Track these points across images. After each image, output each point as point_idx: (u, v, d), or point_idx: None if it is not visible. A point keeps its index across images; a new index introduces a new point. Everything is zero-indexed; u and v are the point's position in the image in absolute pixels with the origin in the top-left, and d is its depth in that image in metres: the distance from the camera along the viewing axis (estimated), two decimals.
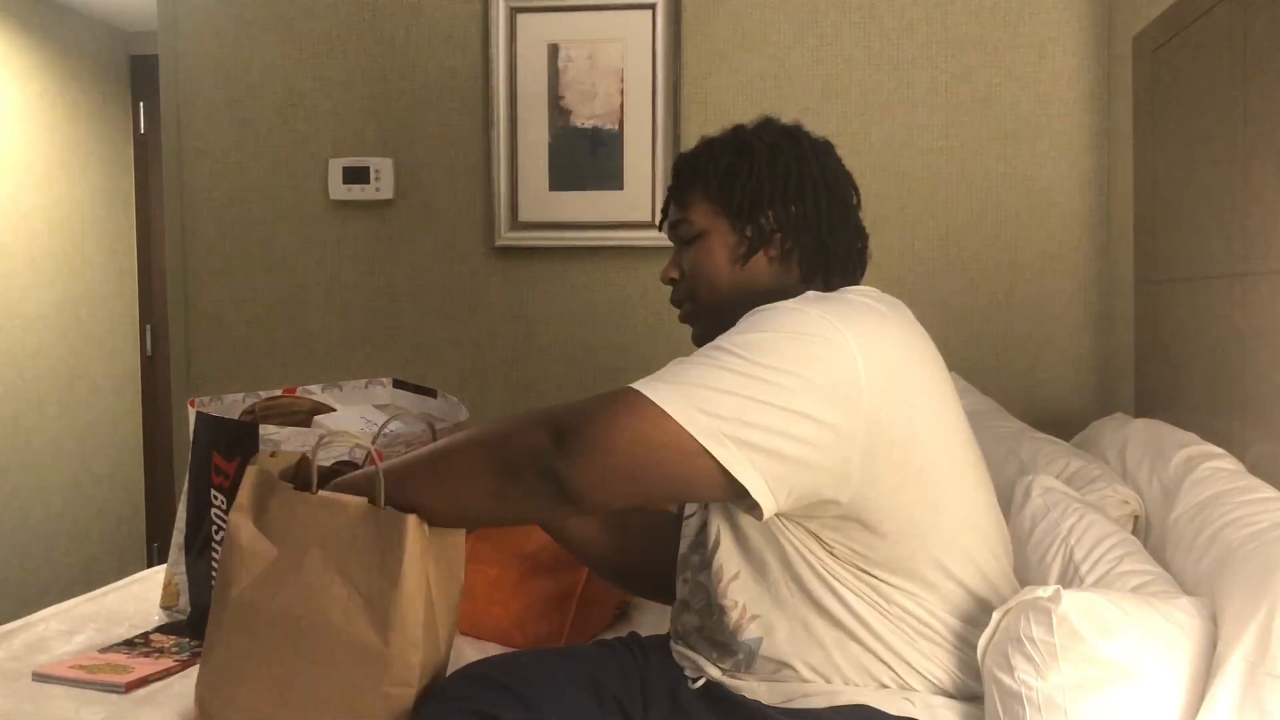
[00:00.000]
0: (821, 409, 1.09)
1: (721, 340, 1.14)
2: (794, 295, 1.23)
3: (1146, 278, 2.13)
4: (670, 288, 1.39)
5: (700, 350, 1.15)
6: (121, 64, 4.25)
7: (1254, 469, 1.56)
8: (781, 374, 1.09)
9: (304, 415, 1.98)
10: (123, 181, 4.25)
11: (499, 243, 2.62)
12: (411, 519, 1.24)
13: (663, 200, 1.42)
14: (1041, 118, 2.48)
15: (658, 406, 1.08)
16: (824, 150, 1.36)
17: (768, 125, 1.37)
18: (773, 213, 1.30)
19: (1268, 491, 1.42)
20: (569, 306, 2.63)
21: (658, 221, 1.45)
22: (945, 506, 1.18)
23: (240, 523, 1.33)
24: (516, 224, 2.62)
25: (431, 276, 2.68)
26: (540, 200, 2.61)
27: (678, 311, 1.39)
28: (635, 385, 1.11)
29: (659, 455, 1.09)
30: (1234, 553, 1.27)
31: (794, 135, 1.36)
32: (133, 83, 4.27)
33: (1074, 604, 1.09)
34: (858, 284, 1.34)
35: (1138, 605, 1.16)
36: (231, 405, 1.99)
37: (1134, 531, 1.67)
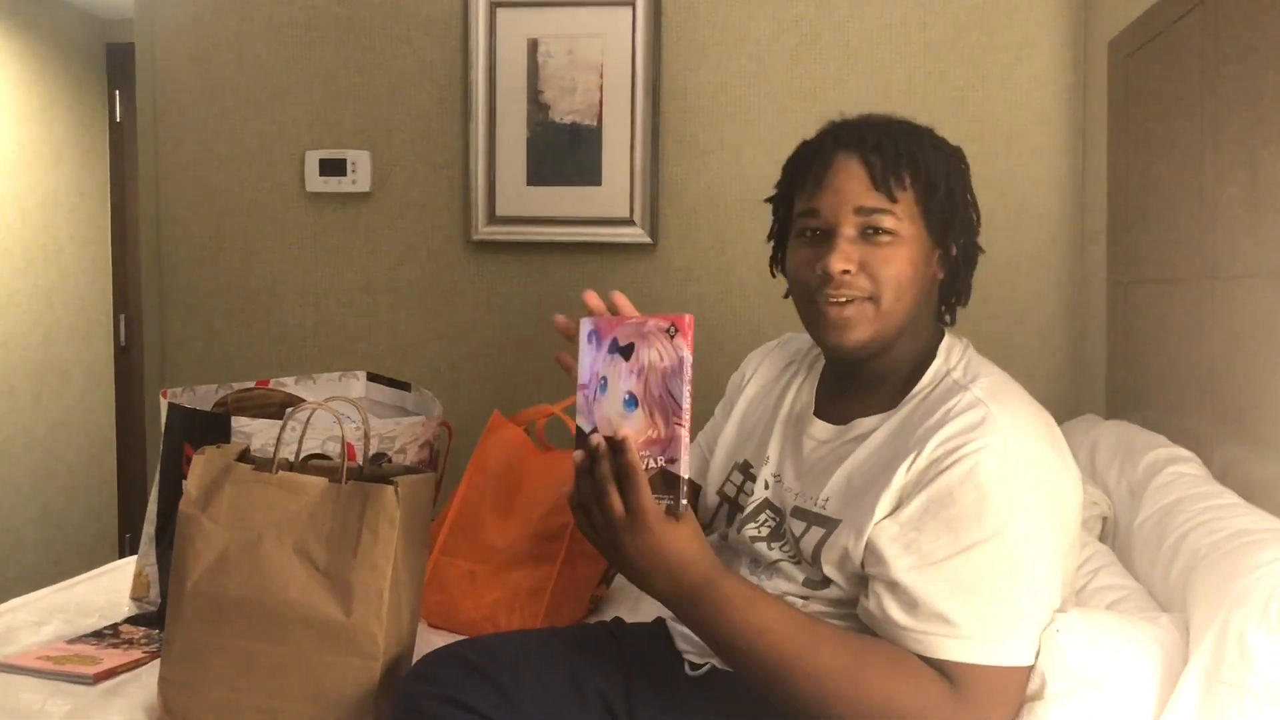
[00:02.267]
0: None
1: (998, 535, 1.11)
2: (917, 326, 1.27)
3: (1119, 279, 2.15)
4: (830, 280, 1.23)
5: (994, 558, 1.11)
6: (98, 52, 4.22)
7: (1222, 470, 1.58)
8: (1055, 554, 1.15)
9: (276, 408, 1.98)
10: (98, 170, 4.22)
11: (476, 237, 2.62)
12: (389, 491, 1.24)
13: (823, 157, 1.26)
14: (1017, 120, 2.49)
15: (1018, 668, 1.10)
16: None
17: (937, 135, 1.31)
18: (954, 240, 1.27)
19: (1229, 497, 1.44)
20: (546, 302, 2.63)
21: (777, 197, 1.35)
22: None
23: (190, 513, 1.33)
24: (494, 218, 2.61)
25: (407, 270, 2.67)
26: (518, 195, 2.60)
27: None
28: (992, 659, 1.09)
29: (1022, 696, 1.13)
30: (1198, 564, 1.28)
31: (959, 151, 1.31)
32: (109, 71, 4.24)
33: (1059, 625, 1.13)
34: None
35: (1116, 622, 1.18)
36: (204, 396, 1.98)
37: (1103, 532, 1.69)
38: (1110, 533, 1.67)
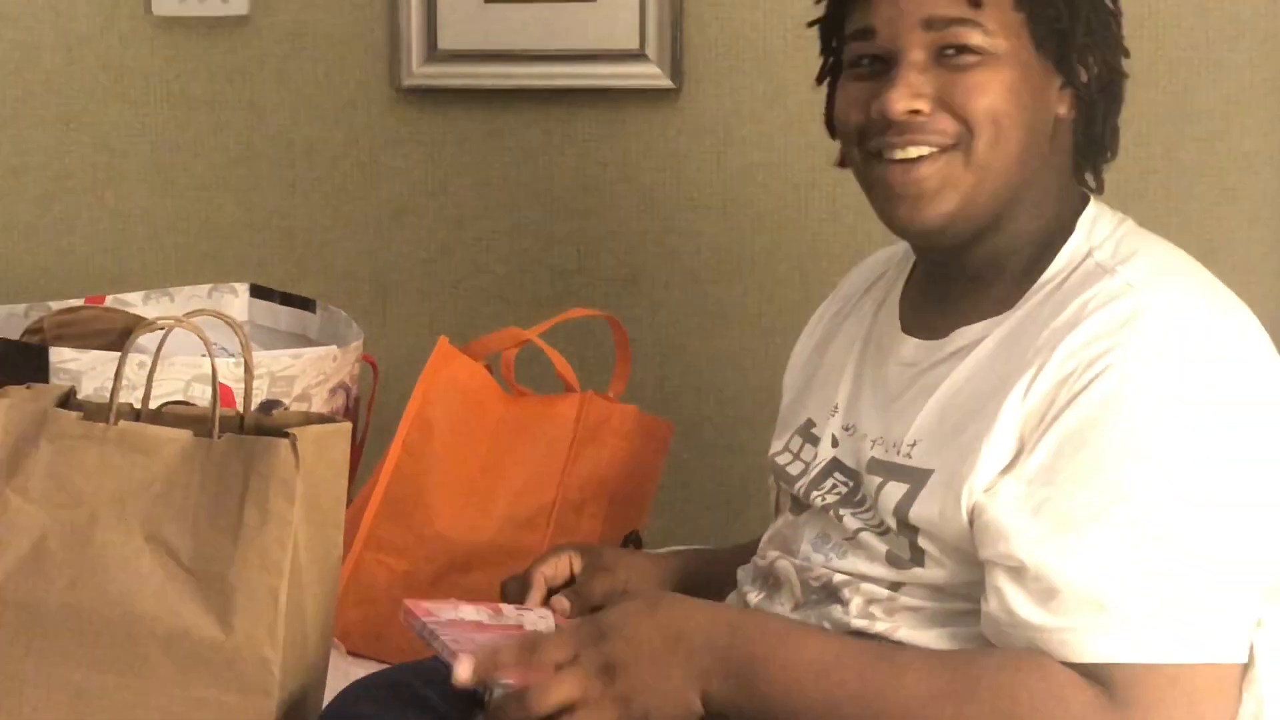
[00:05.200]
0: None
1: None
2: (1042, 184, 1.30)
3: None
4: (900, 124, 1.27)
5: (1175, 516, 1.13)
6: None
7: None
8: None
9: (116, 335, 1.98)
10: None
11: (409, 82, 2.60)
12: (283, 445, 1.25)
13: None
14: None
15: (1211, 666, 1.12)
16: None
17: None
18: (1080, 60, 1.30)
19: None
20: (515, 177, 2.62)
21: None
22: None
23: None
24: (435, 53, 2.60)
25: (307, 131, 2.66)
26: (470, 18, 2.58)
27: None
28: (1197, 658, 1.11)
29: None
30: None
31: None
32: None
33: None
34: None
35: None
36: (10, 322, 1.99)
37: None
38: None
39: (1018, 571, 1.14)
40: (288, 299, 2.15)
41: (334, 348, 1.91)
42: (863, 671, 1.16)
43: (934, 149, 1.25)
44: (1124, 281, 1.20)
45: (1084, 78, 1.29)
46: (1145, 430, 1.13)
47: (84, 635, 1.29)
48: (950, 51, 1.25)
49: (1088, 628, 1.11)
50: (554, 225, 2.63)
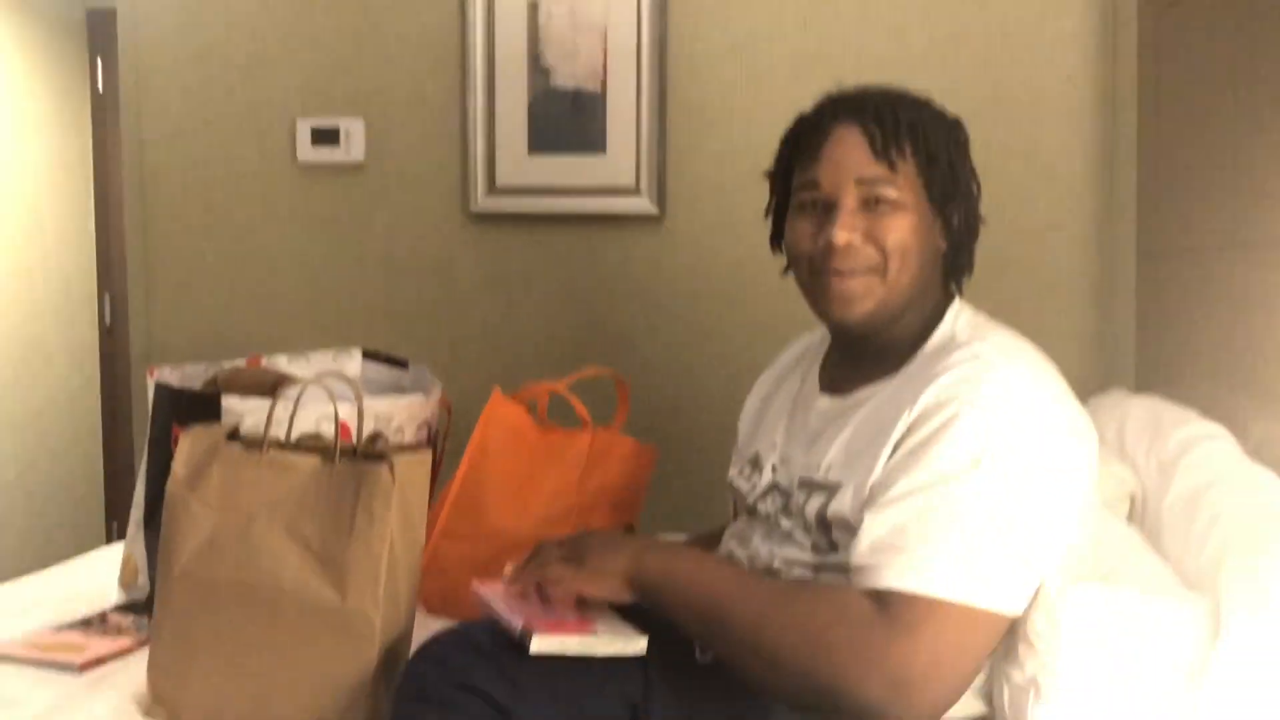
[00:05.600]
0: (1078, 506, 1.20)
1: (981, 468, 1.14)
2: (922, 297, 1.31)
3: (1149, 249, 2.15)
4: (836, 252, 1.28)
5: (965, 496, 1.13)
6: (78, 19, 4.21)
7: (1256, 447, 1.58)
8: (1044, 509, 1.16)
9: (268, 387, 1.98)
10: (80, 143, 4.22)
11: (475, 208, 2.62)
12: (384, 469, 1.25)
13: (819, 129, 1.32)
14: (1043, 82, 2.47)
15: (977, 609, 1.11)
16: None
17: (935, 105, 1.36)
18: (955, 209, 1.32)
19: (1262, 476, 1.44)
20: (548, 275, 2.63)
21: (778, 162, 1.40)
22: None
23: (178, 493, 1.34)
24: (494, 189, 2.61)
25: (404, 243, 2.67)
26: (519, 164, 2.60)
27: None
28: (935, 590, 1.10)
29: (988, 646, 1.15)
30: (1230, 544, 1.29)
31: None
32: (90, 39, 4.23)
33: (1076, 596, 1.14)
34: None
35: (1140, 599, 1.19)
36: (193, 376, 1.99)
37: (1131, 510, 1.69)
38: (1139, 511, 1.67)
39: (858, 530, 1.17)
40: (389, 359, 2.15)
41: (420, 395, 1.91)
42: (730, 587, 1.19)
43: (861, 268, 1.28)
44: (972, 353, 1.22)
45: (955, 222, 1.32)
46: (962, 444, 1.14)
47: (243, 601, 1.29)
48: (873, 201, 1.27)
49: (886, 564, 1.13)
50: (576, 309, 2.64)
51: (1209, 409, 1.71)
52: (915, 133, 1.28)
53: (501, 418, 1.88)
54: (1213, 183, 1.80)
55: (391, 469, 1.30)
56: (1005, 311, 2.43)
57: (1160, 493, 1.59)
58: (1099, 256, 2.48)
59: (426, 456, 1.43)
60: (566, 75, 2.58)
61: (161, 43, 2.72)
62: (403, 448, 1.47)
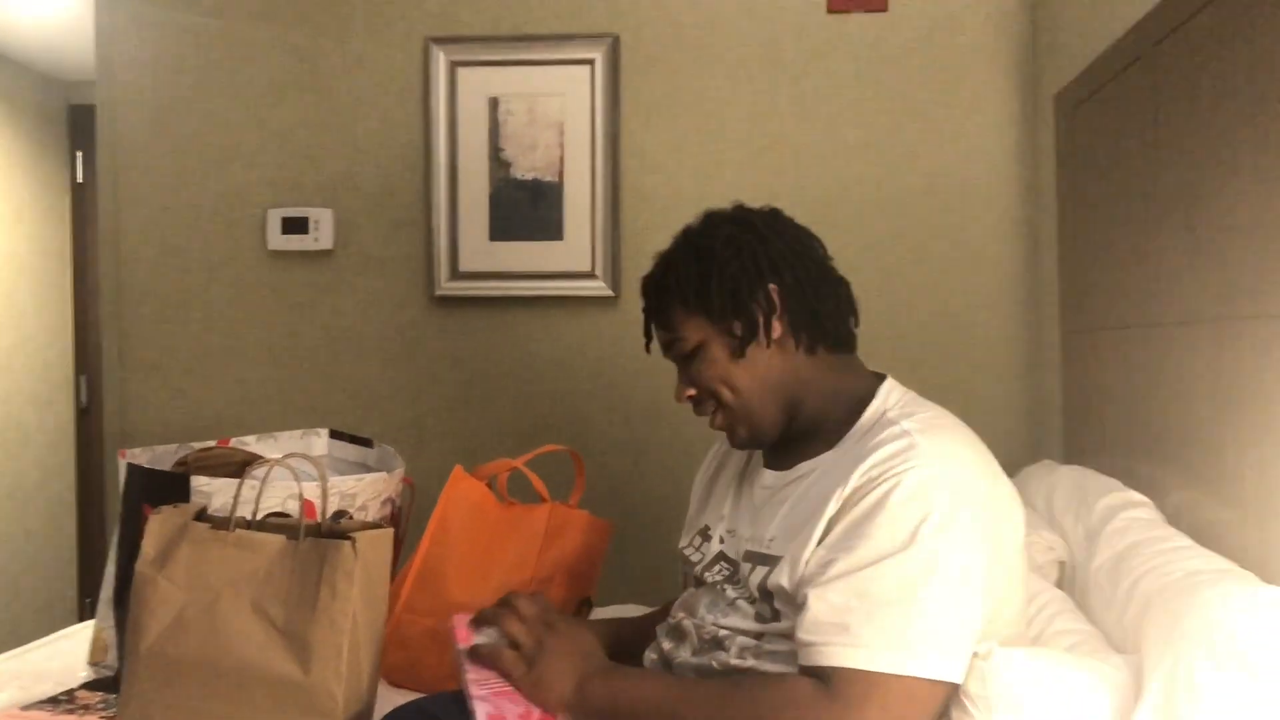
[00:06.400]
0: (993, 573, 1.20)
1: (911, 553, 1.14)
2: (806, 371, 1.34)
3: (1071, 328, 2.19)
4: (691, 404, 1.40)
5: (902, 573, 1.14)
6: (60, 113, 4.22)
7: (1175, 514, 1.60)
8: (975, 579, 1.17)
9: (237, 466, 1.96)
10: (59, 232, 4.21)
11: (439, 292, 2.63)
12: (346, 546, 1.24)
13: (644, 323, 1.44)
14: (969, 172, 2.55)
15: (920, 680, 1.11)
16: (774, 219, 1.40)
17: (714, 219, 1.40)
18: (754, 301, 1.33)
19: (1181, 540, 1.46)
20: (509, 356, 2.64)
21: (645, 345, 1.46)
22: None
23: (146, 572, 1.33)
24: (457, 274, 2.63)
25: (370, 326, 2.68)
26: (481, 250, 2.62)
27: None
28: (878, 666, 1.11)
29: (930, 713, 1.14)
30: (1151, 605, 1.30)
31: (744, 219, 1.38)
32: (71, 132, 4.24)
33: (1007, 660, 1.15)
34: (853, 332, 1.42)
35: (1068, 661, 1.20)
36: (164, 456, 1.97)
37: (1060, 577, 1.71)
38: (1068, 577, 1.69)
39: (804, 608, 1.16)
40: (354, 438, 2.14)
41: (384, 473, 1.90)
42: (676, 695, 1.21)
43: (709, 410, 1.38)
44: (902, 429, 1.23)
45: (759, 312, 1.33)
46: (897, 522, 1.15)
47: (208, 678, 1.27)
48: (681, 358, 1.38)
49: (830, 643, 1.13)
50: (534, 387, 2.64)
51: (1130, 480, 1.74)
52: (667, 282, 1.37)
53: (462, 494, 1.87)
54: (1126, 266, 1.85)
55: (354, 545, 1.29)
56: (938, 386, 2.47)
57: (1087, 559, 1.61)
58: (1026, 334, 2.53)
59: (389, 533, 1.42)
60: (526, 167, 2.62)
61: (139, 136, 2.73)
62: (366, 524, 1.46)
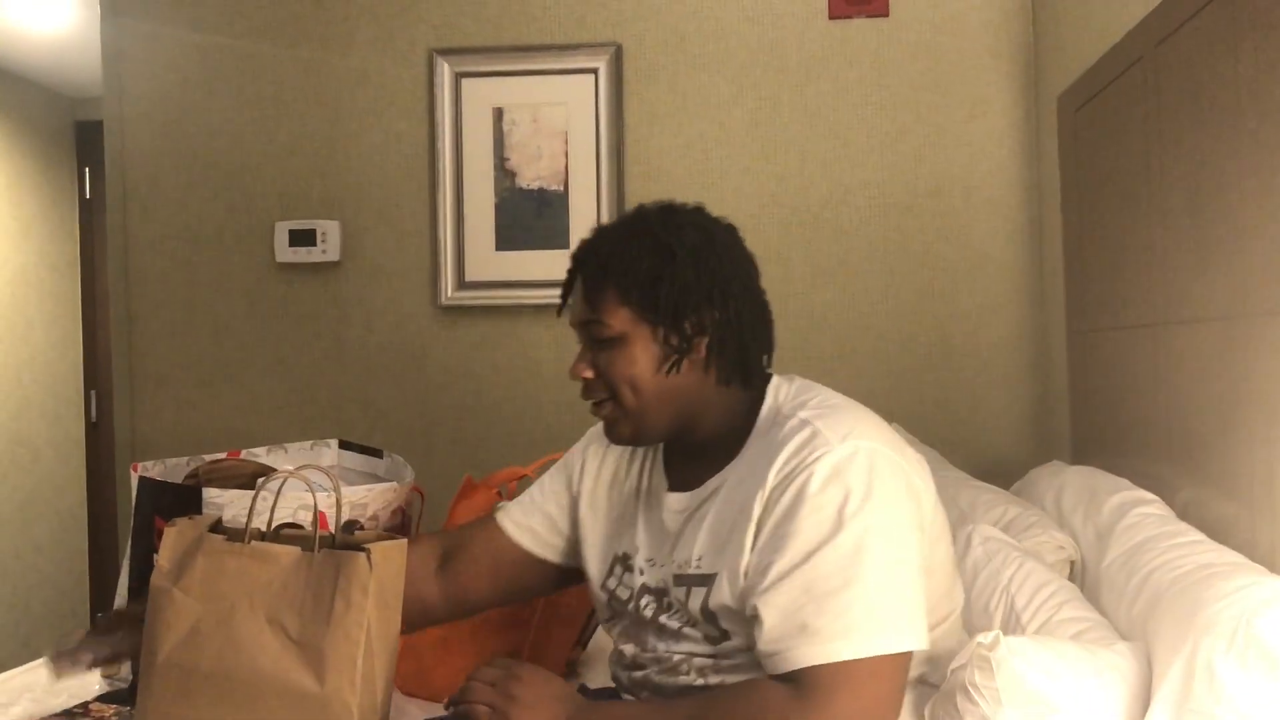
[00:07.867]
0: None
1: (844, 537, 1.14)
2: (711, 395, 1.29)
3: (1078, 328, 2.19)
4: (582, 384, 1.33)
5: (837, 559, 1.13)
6: (67, 130, 4.24)
7: (1183, 511, 1.60)
8: (909, 542, 1.17)
9: (248, 478, 1.96)
10: (67, 247, 4.22)
11: (445, 302, 2.64)
12: (361, 558, 1.24)
13: (564, 287, 1.35)
14: (974, 175, 2.55)
15: (883, 657, 1.11)
16: (731, 237, 1.33)
17: (677, 217, 1.32)
18: (696, 319, 1.27)
19: (1193, 535, 1.46)
20: (515, 364, 2.64)
21: (558, 308, 1.39)
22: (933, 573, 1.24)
23: (162, 586, 1.32)
24: (463, 283, 2.63)
25: (378, 336, 2.68)
26: (486, 260, 2.63)
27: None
28: (840, 655, 1.10)
29: (900, 685, 1.14)
30: (1162, 596, 1.30)
31: (709, 232, 1.31)
32: (78, 149, 4.26)
33: (1013, 649, 1.15)
34: (769, 363, 1.35)
35: (1074, 649, 1.20)
36: (175, 469, 1.97)
37: (1070, 576, 1.70)
38: (1078, 576, 1.69)
39: (757, 618, 1.15)
40: (364, 449, 2.14)
41: (395, 483, 1.90)
42: (650, 714, 1.22)
43: (602, 399, 1.31)
44: (800, 420, 1.22)
45: (695, 332, 1.28)
46: (821, 510, 1.14)
47: (224, 689, 1.26)
48: (595, 340, 1.30)
49: (790, 647, 1.12)
50: (541, 395, 2.64)
51: (1139, 478, 1.73)
52: (612, 263, 1.28)
53: (471, 502, 1.88)
54: (1132, 266, 1.84)
55: (369, 557, 1.29)
56: (946, 388, 2.48)
57: (1098, 557, 1.61)
58: (1033, 336, 2.53)
59: (402, 543, 1.41)
60: (530, 176, 2.62)
61: (146, 152, 2.74)
62: (380, 535, 1.45)
